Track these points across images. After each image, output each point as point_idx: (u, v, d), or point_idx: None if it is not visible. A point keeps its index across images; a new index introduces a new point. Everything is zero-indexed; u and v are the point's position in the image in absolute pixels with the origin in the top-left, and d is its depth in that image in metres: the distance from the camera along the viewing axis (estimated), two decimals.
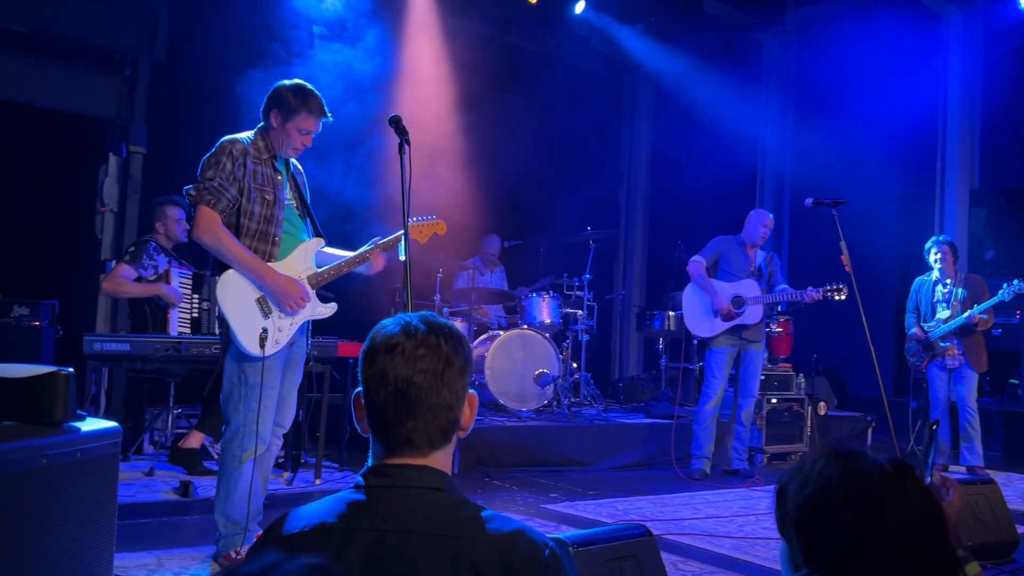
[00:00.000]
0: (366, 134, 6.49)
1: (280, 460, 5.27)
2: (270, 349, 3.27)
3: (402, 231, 3.36)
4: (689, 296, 6.03)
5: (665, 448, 6.36)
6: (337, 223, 6.19)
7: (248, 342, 3.23)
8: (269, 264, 3.33)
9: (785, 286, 5.90)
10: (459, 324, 7.10)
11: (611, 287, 10.16)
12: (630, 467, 6.27)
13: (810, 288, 5.73)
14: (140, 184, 6.81)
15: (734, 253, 5.98)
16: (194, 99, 6.67)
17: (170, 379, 5.26)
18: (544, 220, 8.87)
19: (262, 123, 3.45)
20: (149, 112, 6.88)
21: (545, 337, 6.88)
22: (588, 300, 7.64)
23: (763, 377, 6.73)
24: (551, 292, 7.32)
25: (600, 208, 9.78)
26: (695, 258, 5.99)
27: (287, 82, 3.44)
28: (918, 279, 6.49)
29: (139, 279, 5.27)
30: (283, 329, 3.34)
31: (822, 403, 7.10)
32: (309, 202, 3.61)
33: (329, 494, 1.34)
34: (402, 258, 3.04)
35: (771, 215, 6.07)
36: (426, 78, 7.73)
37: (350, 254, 3.56)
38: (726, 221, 6.67)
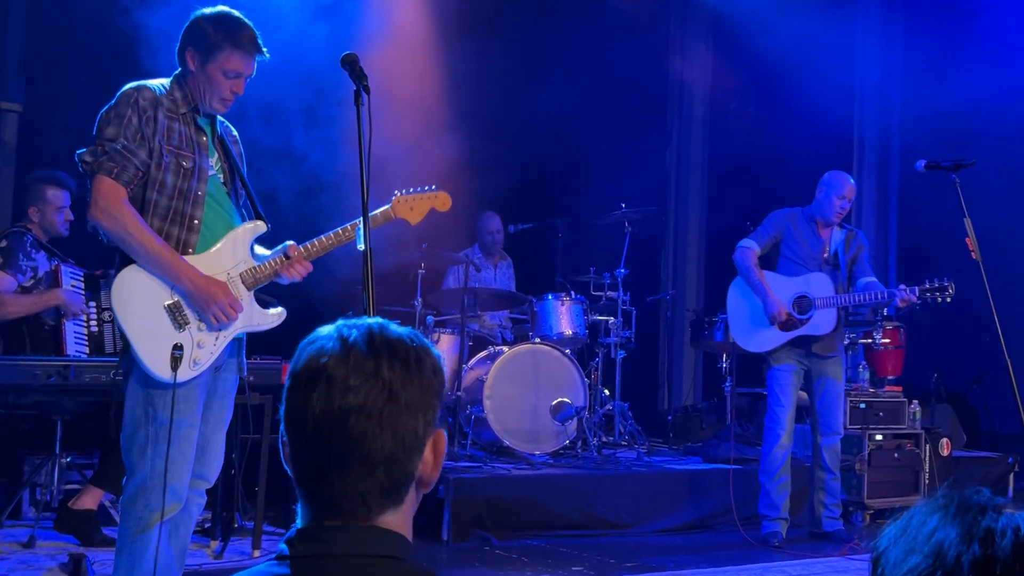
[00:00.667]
0: (336, 72, 6.48)
1: (205, 525, 5.25)
2: (186, 373, 3.27)
3: (386, 207, 3.37)
4: (736, 295, 6.05)
5: (730, 503, 6.33)
6: (303, 197, 6.20)
7: (155, 363, 3.23)
8: (187, 258, 3.33)
9: (871, 280, 5.89)
10: (447, 338, 7.12)
11: (655, 286, 10.13)
12: (682, 530, 6.27)
13: (902, 287, 5.70)
14: (15, 153, 6.82)
15: (801, 233, 5.97)
16: (89, 39, 6.66)
17: (55, 417, 5.25)
18: (563, 196, 8.84)
19: (179, 69, 3.47)
20: (27, 57, 6.90)
21: (565, 355, 6.86)
22: (624, 304, 7.63)
23: (863, 406, 6.70)
24: (573, 293, 7.29)
25: (640, 180, 9.73)
26: (744, 243, 6.00)
27: (206, 10, 3.46)
28: None
29: (22, 290, 5.28)
30: (204, 345, 3.34)
31: (945, 440, 7.07)
32: (245, 174, 3.62)
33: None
34: (361, 247, 3.01)
35: (852, 180, 6.02)
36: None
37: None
38: (815, 186, 6.60)
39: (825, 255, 5.95)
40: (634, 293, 7.88)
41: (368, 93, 3.03)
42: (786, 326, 5.81)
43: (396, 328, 1.37)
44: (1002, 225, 7.30)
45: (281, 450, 1.38)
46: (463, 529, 5.58)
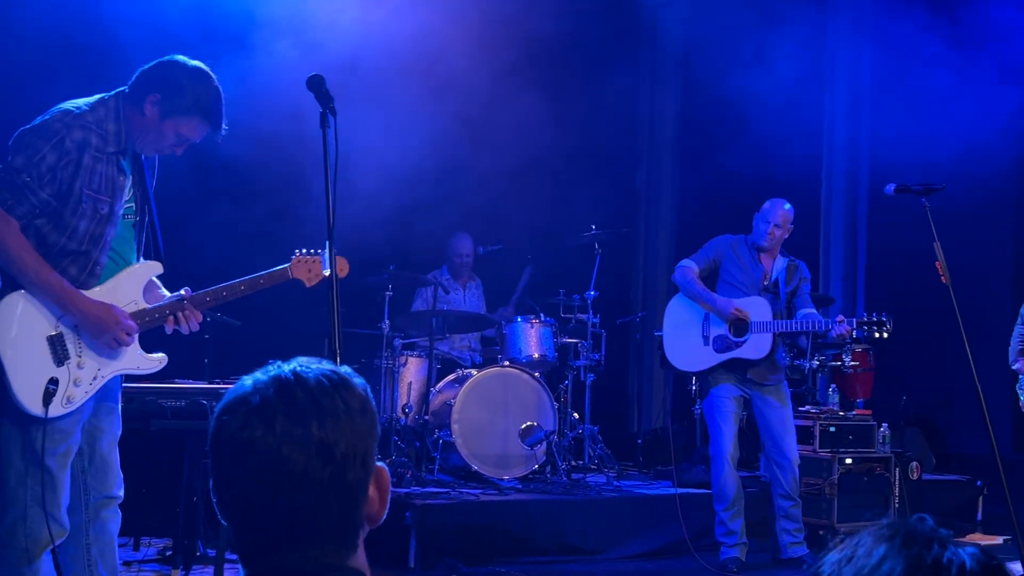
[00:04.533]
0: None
1: (167, 553, 5.18)
2: (57, 410, 3.18)
3: (285, 266, 3.36)
4: (672, 314, 6.05)
5: (702, 528, 6.32)
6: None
7: (25, 395, 3.14)
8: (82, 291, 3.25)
9: (810, 311, 5.90)
10: (415, 361, 7.07)
11: (626, 308, 10.11)
12: (651, 556, 6.24)
13: (839, 318, 5.72)
14: None
15: (742, 260, 5.96)
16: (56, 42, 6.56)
17: None
18: (531, 217, 8.82)
19: (124, 92, 3.35)
20: None
21: (534, 377, 6.84)
22: (594, 326, 7.61)
23: (833, 429, 6.71)
24: (542, 315, 7.26)
25: (610, 200, 9.74)
26: (684, 262, 6.01)
27: (187, 63, 3.36)
28: None
29: None
30: (81, 383, 3.25)
31: (915, 464, 7.08)
32: (153, 206, 3.52)
33: None
34: (326, 272, 2.99)
35: (787, 207, 5.96)
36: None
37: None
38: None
39: (765, 282, 5.93)
40: (604, 315, 7.86)
41: (334, 115, 3.00)
42: (722, 348, 5.80)
43: (314, 372, 1.31)
44: (972, 249, 7.36)
45: (216, 508, 1.32)
46: (430, 557, 5.52)
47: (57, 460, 3.20)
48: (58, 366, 3.21)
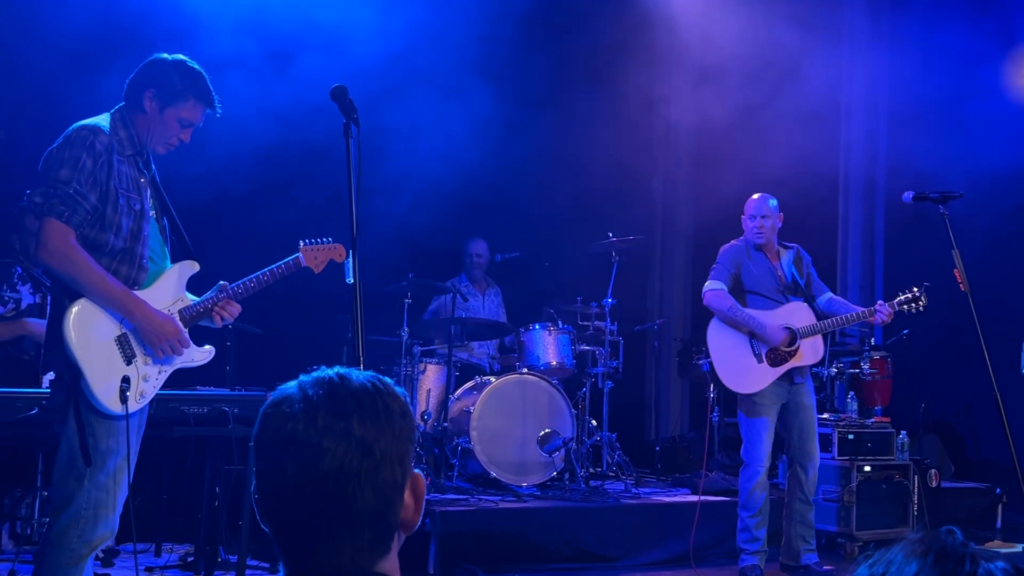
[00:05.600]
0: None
1: (188, 559, 5.21)
2: (133, 406, 3.35)
3: (297, 255, 3.51)
4: (717, 337, 5.85)
5: (719, 535, 6.32)
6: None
7: (104, 395, 3.28)
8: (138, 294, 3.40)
9: (831, 297, 5.90)
10: (434, 368, 7.09)
11: (643, 315, 10.12)
12: (670, 563, 6.21)
13: (881, 303, 5.72)
14: None
15: (756, 265, 5.90)
16: (69, 74, 6.64)
17: (36, 449, 5.21)
18: (549, 225, 8.84)
19: (122, 104, 3.52)
20: (4, 89, 6.88)
21: (553, 384, 6.85)
22: (611, 333, 7.61)
23: (851, 436, 6.70)
24: (560, 323, 7.28)
25: (626, 208, 9.76)
26: (711, 285, 5.84)
27: (166, 56, 3.54)
28: None
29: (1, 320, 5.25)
30: (149, 379, 3.44)
31: (934, 471, 7.06)
32: (172, 209, 3.70)
33: None
34: (350, 280, 3.04)
35: (761, 197, 5.93)
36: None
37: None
38: (803, 221, 6.61)
39: (785, 281, 5.90)
40: (621, 323, 7.86)
41: (358, 126, 3.05)
42: (776, 360, 5.76)
43: (358, 376, 1.36)
44: (991, 256, 7.33)
45: (256, 509, 1.36)
46: (449, 563, 5.52)
47: (119, 463, 3.32)
48: (127, 365, 3.37)
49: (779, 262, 5.95)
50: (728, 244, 5.99)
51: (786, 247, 6.02)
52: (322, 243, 3.87)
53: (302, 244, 3.84)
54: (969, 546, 1.18)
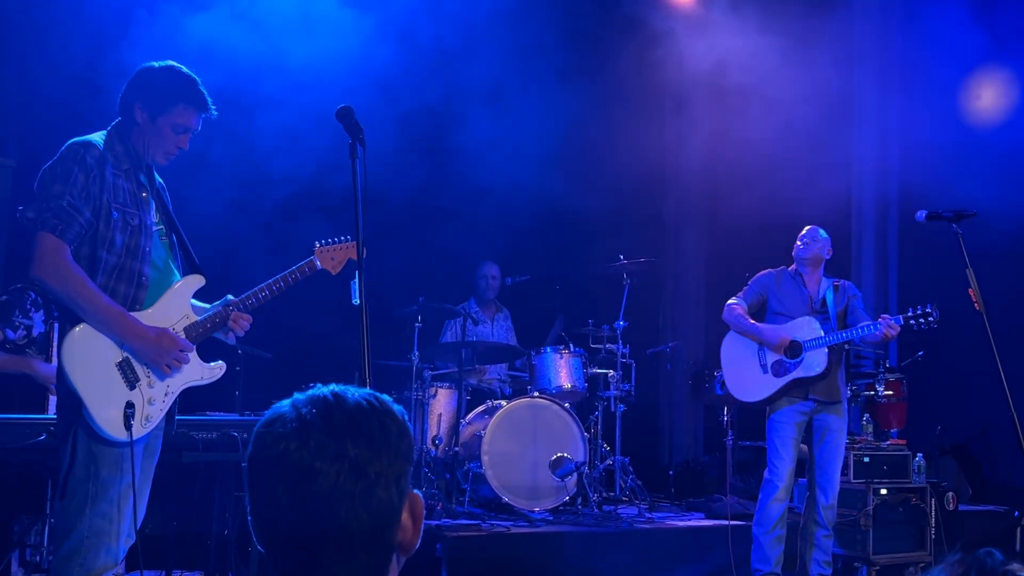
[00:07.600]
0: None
1: None
2: (138, 431, 3.30)
3: (312, 258, 3.53)
4: (729, 349, 6.17)
5: (736, 559, 6.26)
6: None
7: (107, 423, 3.22)
8: (134, 314, 3.35)
9: (864, 323, 5.91)
10: (444, 392, 7.07)
11: (655, 338, 10.07)
12: None
13: (885, 317, 5.71)
14: (7, 206, 6.82)
15: (785, 289, 6.10)
16: (81, 94, 6.69)
17: (46, 476, 5.19)
18: (559, 248, 8.83)
19: (118, 119, 3.50)
20: (20, 112, 6.92)
21: (564, 408, 6.82)
22: (623, 356, 7.58)
23: (867, 459, 6.64)
24: (571, 346, 7.25)
25: (637, 229, 9.74)
26: (731, 301, 6.14)
27: (154, 64, 3.51)
28: None
29: (13, 347, 5.23)
30: (155, 401, 3.37)
31: (951, 494, 6.99)
32: (178, 224, 3.65)
33: None
34: (356, 302, 3.01)
35: (820, 231, 6.15)
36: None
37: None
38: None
39: (813, 304, 6.01)
40: (633, 345, 7.84)
41: (363, 146, 3.04)
42: (780, 372, 5.84)
43: (354, 394, 1.33)
44: (1006, 275, 7.28)
45: (252, 532, 1.34)
46: None
47: (122, 491, 3.27)
48: (131, 389, 3.31)
49: (815, 287, 6.08)
50: (763, 272, 6.23)
51: (828, 278, 6.15)
52: (338, 242, 3.79)
53: (317, 245, 3.77)
54: (1009, 565, 1.16)
